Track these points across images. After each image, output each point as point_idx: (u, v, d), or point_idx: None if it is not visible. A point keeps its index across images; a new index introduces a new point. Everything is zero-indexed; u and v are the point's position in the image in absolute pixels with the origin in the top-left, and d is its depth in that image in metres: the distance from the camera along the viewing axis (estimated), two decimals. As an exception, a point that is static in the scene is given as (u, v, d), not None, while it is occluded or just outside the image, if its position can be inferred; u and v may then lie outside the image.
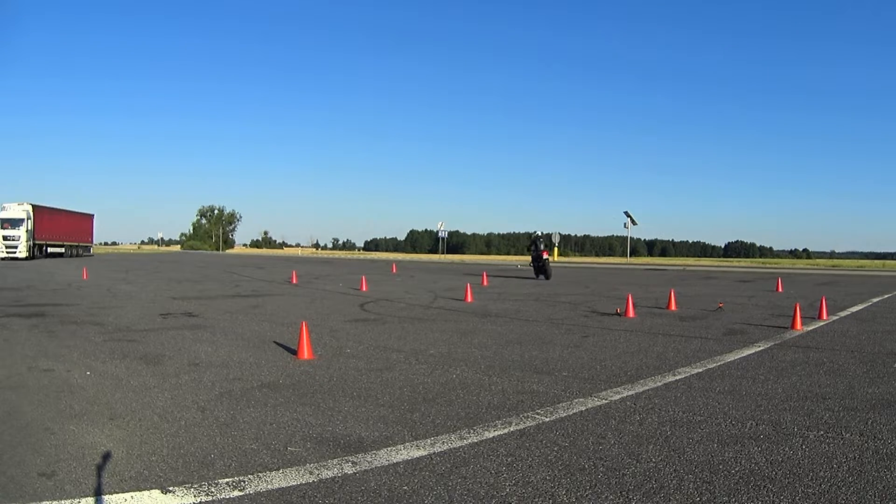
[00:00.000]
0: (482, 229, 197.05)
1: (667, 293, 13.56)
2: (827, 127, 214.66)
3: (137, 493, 3.02)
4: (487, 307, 12.33)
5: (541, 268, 22.55)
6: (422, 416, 4.38)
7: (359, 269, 32.24)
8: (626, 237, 71.96)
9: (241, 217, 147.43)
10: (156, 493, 3.03)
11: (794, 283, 21.26)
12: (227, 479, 3.19)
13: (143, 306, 12.04)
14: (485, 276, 22.32)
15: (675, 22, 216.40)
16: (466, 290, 14.20)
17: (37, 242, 44.04)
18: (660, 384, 5.42)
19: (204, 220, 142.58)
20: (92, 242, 59.59)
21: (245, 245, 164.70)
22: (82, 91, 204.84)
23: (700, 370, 6.04)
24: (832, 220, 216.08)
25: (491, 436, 3.94)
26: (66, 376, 5.65)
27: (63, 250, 49.57)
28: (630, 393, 5.10)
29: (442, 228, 65.20)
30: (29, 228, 42.53)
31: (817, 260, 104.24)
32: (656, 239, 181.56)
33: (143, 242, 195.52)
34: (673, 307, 12.00)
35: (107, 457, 3.50)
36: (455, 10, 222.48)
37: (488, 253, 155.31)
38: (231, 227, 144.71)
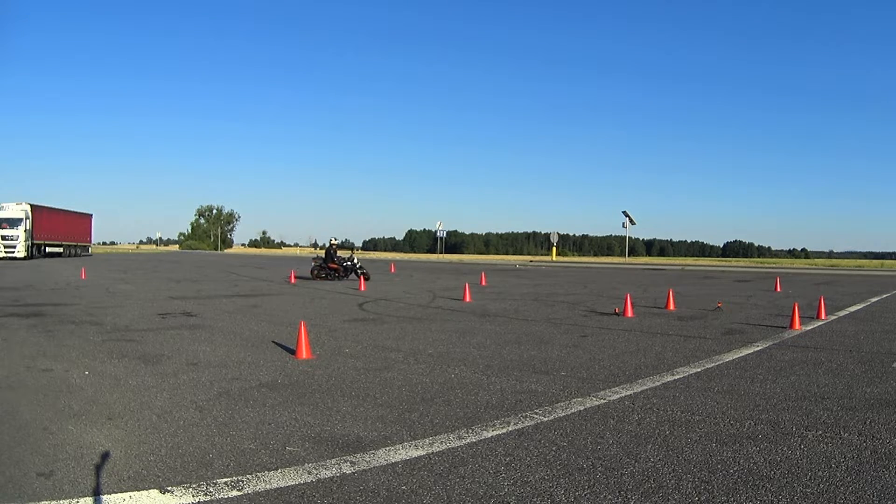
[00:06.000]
0: (481, 229, 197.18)
1: (665, 293, 13.57)
2: (826, 127, 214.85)
3: (136, 492, 3.02)
4: (486, 307, 12.33)
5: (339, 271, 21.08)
6: (420, 416, 4.38)
7: (358, 268, 32.22)
8: (625, 237, 72.15)
9: (239, 217, 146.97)
10: (154, 492, 3.03)
11: (792, 283, 21.29)
12: (226, 479, 3.19)
13: (141, 306, 12.03)
14: (483, 276, 22.32)
15: (674, 22, 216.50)
16: (465, 290, 14.21)
17: (35, 242, 43.95)
18: (658, 384, 5.43)
19: (202, 220, 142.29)
20: (90, 242, 59.49)
21: (244, 245, 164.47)
22: (82, 91, 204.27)
23: (699, 370, 6.05)
24: (831, 220, 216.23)
25: (489, 435, 3.94)
26: (65, 376, 5.65)
27: (61, 250, 49.47)
28: (628, 393, 5.10)
29: (440, 228, 65.19)
30: (27, 228, 42.45)
31: (816, 260, 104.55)
32: (655, 239, 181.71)
33: (141, 242, 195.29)
34: (671, 307, 12.01)
35: (105, 457, 3.50)
36: (455, 10, 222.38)
37: (487, 253, 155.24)
38: (230, 227, 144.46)
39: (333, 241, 21.52)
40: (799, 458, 3.51)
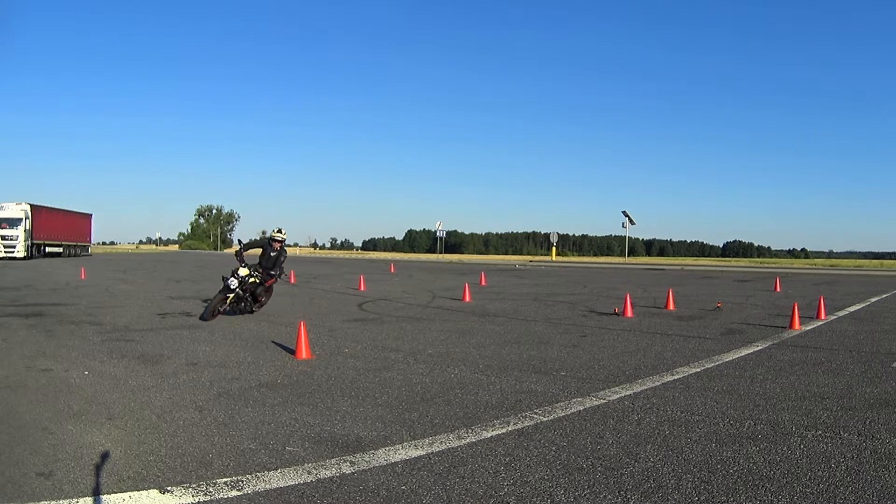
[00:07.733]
0: (480, 229, 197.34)
1: (665, 293, 13.56)
2: (826, 127, 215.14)
3: (135, 492, 3.02)
4: (486, 307, 12.33)
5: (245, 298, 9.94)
6: (420, 416, 4.38)
7: (357, 268, 32.22)
8: (625, 237, 72.13)
9: (239, 217, 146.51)
10: (154, 492, 3.03)
11: (792, 283, 21.28)
12: (226, 479, 3.19)
13: (141, 306, 12.03)
14: (483, 276, 22.32)
15: (673, 22, 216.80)
16: (465, 290, 14.21)
17: (35, 242, 43.92)
18: (658, 384, 5.43)
19: (202, 220, 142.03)
20: (90, 242, 59.41)
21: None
22: (82, 91, 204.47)
23: (698, 370, 6.05)
24: (830, 220, 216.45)
25: (489, 435, 3.94)
26: (65, 376, 5.64)
27: (61, 250, 49.43)
28: (628, 393, 5.10)
29: (440, 228, 65.09)
30: (27, 228, 42.42)
31: (815, 260, 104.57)
32: (655, 239, 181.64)
33: (141, 242, 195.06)
34: (671, 307, 12.01)
35: (105, 457, 3.50)
36: (454, 10, 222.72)
37: (486, 252, 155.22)
38: (229, 227, 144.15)
39: (278, 232, 10.60)
40: (799, 458, 3.51)
